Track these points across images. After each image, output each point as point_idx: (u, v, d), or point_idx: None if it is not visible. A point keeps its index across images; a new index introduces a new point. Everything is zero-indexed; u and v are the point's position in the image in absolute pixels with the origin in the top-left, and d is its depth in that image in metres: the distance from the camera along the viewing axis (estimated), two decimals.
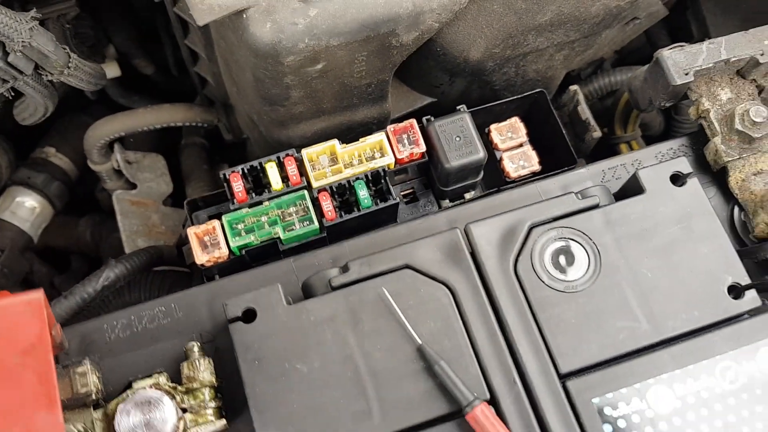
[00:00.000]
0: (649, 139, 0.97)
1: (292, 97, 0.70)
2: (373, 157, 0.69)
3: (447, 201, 0.76)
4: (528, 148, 0.75)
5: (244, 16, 0.62)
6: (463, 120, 0.70)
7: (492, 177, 0.76)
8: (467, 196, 0.77)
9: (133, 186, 1.01)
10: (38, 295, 0.42)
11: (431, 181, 0.75)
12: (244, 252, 0.67)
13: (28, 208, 1.13)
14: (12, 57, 0.70)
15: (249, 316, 0.56)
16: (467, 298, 0.56)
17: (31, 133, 1.13)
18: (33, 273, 1.14)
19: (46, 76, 0.71)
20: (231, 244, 0.66)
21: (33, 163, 1.16)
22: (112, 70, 1.03)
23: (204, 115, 0.93)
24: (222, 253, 0.66)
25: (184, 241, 0.81)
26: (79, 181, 1.19)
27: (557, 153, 0.77)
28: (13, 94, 0.74)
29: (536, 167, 0.74)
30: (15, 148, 1.17)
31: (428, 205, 0.75)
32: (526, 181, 0.73)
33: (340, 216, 0.67)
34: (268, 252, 0.69)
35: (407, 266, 0.57)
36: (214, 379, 0.55)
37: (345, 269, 0.58)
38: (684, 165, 0.63)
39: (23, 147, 1.18)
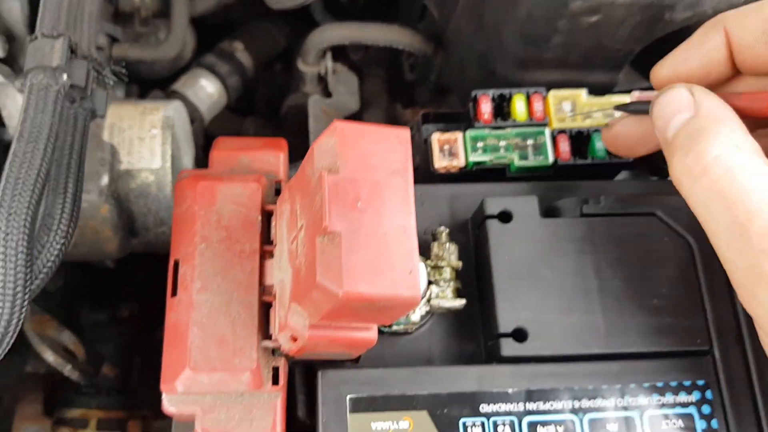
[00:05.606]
0: None
1: (553, 41, 0.74)
2: (612, 115, 0.73)
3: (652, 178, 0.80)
4: None
5: None
6: None
7: None
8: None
9: (328, 95, 1.07)
10: (406, 131, 0.47)
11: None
12: (474, 168, 0.72)
13: (208, 92, 1.19)
14: None
15: (504, 217, 0.61)
16: (705, 256, 0.61)
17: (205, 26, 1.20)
18: None
19: None
20: (469, 158, 0.71)
21: (220, 52, 1.22)
22: None
23: (422, 45, 0.97)
24: (459, 163, 0.71)
25: None
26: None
27: None
28: None
29: None
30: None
31: (640, 175, 0.79)
32: None
33: (574, 159, 0.71)
34: (492, 174, 0.73)
35: (654, 214, 0.62)
36: (459, 263, 0.60)
37: (597, 201, 0.62)
38: None
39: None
